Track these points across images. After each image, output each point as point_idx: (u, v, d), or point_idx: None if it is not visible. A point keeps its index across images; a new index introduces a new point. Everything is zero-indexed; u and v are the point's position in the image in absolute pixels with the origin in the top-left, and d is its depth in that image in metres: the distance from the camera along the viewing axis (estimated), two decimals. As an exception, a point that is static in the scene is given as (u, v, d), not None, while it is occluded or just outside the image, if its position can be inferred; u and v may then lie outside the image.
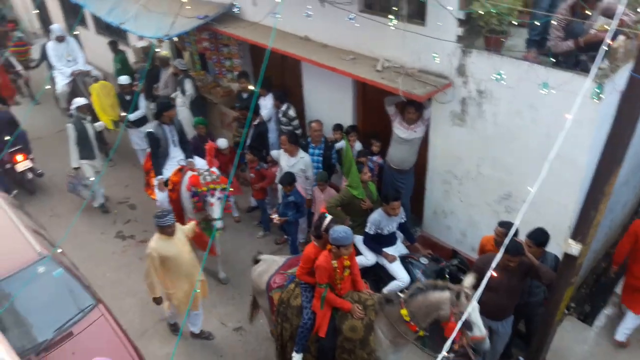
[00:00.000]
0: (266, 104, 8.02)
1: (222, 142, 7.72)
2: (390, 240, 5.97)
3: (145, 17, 8.51)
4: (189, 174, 6.59)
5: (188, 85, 8.98)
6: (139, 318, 6.71)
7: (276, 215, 6.81)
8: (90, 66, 10.31)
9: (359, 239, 6.04)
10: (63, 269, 5.48)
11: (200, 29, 8.34)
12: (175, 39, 8.95)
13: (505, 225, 5.08)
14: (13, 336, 4.87)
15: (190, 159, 6.99)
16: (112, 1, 9.14)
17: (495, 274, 3.07)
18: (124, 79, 8.86)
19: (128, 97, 8.81)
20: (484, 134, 5.79)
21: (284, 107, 7.79)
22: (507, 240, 3.33)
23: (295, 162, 7.00)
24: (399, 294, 4.64)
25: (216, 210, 6.19)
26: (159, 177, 6.83)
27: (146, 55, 9.94)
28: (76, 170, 8.16)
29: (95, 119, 8.66)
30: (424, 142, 6.51)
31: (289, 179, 6.61)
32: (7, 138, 8.11)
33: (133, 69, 10.67)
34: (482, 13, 5.14)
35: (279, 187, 7.19)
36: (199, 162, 7.01)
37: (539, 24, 5.01)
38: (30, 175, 9.01)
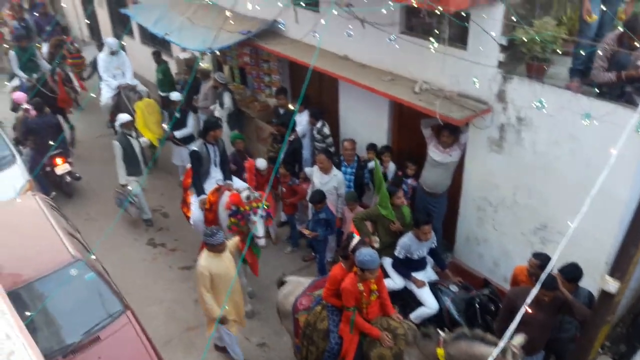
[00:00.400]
0: (301, 120, 8.07)
1: (262, 163, 7.58)
2: (420, 265, 5.87)
3: (190, 29, 8.70)
4: (227, 194, 6.56)
5: (227, 99, 9.12)
6: (164, 326, 6.76)
7: (307, 230, 6.81)
8: (136, 80, 10.39)
9: (387, 262, 5.97)
10: (95, 273, 5.58)
11: (242, 43, 8.48)
12: (217, 52, 9.11)
13: (540, 257, 4.93)
14: (42, 337, 4.96)
15: (228, 181, 6.95)
16: (158, 13, 9.39)
17: (529, 310, 2.97)
18: (175, 96, 8.84)
19: (177, 114, 8.80)
20: (522, 162, 5.67)
21: (318, 124, 7.82)
22: (543, 275, 3.22)
23: (328, 180, 7.00)
24: (439, 331, 4.51)
25: (259, 229, 6.19)
26: (202, 196, 6.74)
27: (188, 67, 10.14)
28: (123, 187, 8.19)
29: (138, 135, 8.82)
30: (459, 167, 6.42)
31: (319, 196, 6.61)
32: (50, 143, 8.35)
33: (174, 79, 10.92)
34: (525, 40, 5.07)
35: (310, 204, 7.20)
36: (237, 184, 6.98)
37: (583, 53, 4.91)
38: (68, 179, 9.25)
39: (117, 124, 8.17)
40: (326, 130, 7.80)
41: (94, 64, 11.04)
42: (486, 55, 5.52)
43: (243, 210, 6.14)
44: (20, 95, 9.58)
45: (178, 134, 8.81)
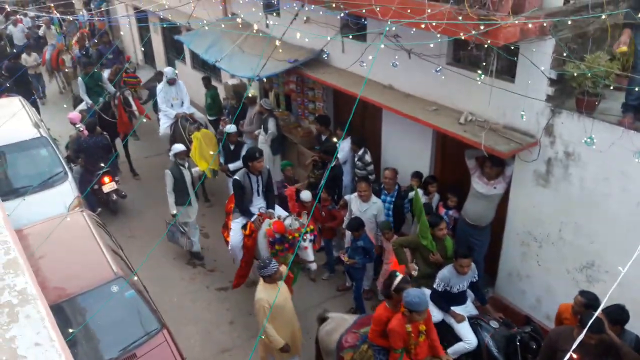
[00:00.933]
0: (343, 147, 8.12)
1: (306, 195, 7.40)
2: (460, 298, 5.73)
3: (239, 57, 8.95)
4: (267, 222, 6.59)
5: (271, 124, 9.29)
6: (199, 347, 6.80)
7: (345, 256, 6.76)
8: (193, 109, 10.40)
9: (425, 294, 5.86)
10: (135, 290, 5.68)
11: (288, 71, 8.66)
12: (264, 79, 9.33)
13: (587, 296, 4.76)
14: (81, 351, 5.05)
15: (270, 210, 6.95)
16: (210, 40, 9.70)
17: (575, 356, 2.85)
18: (231, 128, 8.78)
19: (232, 147, 8.85)
20: (569, 198, 5.52)
21: (360, 152, 7.84)
22: (591, 315, 3.09)
23: (367, 208, 6.98)
24: None
25: (310, 253, 6.22)
26: (254, 218, 6.75)
27: (236, 94, 10.37)
28: (173, 217, 8.06)
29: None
30: (504, 200, 6.29)
31: (356, 224, 6.58)
32: (102, 165, 8.87)
33: (222, 104, 11.23)
34: (576, 74, 4.99)
35: (347, 231, 7.18)
36: (279, 212, 6.98)
37: (638, 89, 4.79)
38: (114, 197, 9.55)
39: (170, 153, 8.18)
40: (368, 157, 7.82)
41: (152, 94, 11.25)
42: (534, 89, 5.45)
43: (292, 237, 6.11)
44: (74, 116, 10.04)
45: (232, 166, 8.74)
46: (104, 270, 5.75)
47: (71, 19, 16.07)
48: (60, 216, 6.95)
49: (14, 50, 15.14)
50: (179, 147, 8.13)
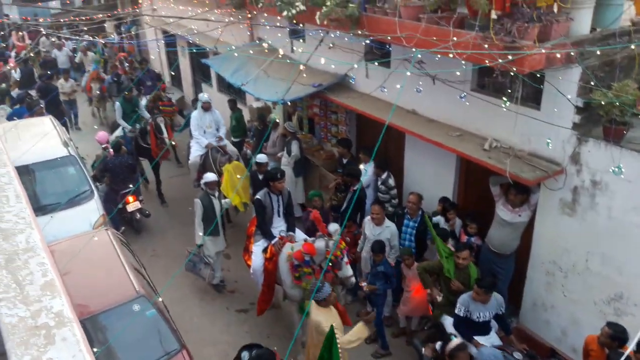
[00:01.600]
0: (363, 167, 8.12)
1: (334, 228, 7.08)
2: (482, 328, 5.62)
3: (264, 81, 9.08)
4: (288, 246, 6.53)
5: (294, 147, 9.36)
6: (218, 368, 6.77)
7: (365, 284, 6.70)
8: (226, 140, 10.10)
9: (449, 321, 5.78)
10: (156, 310, 5.71)
11: (312, 95, 8.75)
12: (288, 102, 9.43)
13: (614, 327, 4.65)
14: (102, 369, 5.09)
15: (291, 232, 6.89)
16: (236, 64, 9.88)
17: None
18: (261, 158, 8.60)
19: (261, 177, 8.32)
20: (595, 227, 5.42)
21: (384, 176, 7.83)
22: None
23: (380, 232, 6.92)
24: None
25: (349, 268, 6.22)
26: (274, 241, 6.71)
27: (260, 117, 10.48)
28: (199, 247, 7.83)
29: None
30: (528, 228, 6.20)
31: (379, 246, 6.53)
32: (129, 185, 9.13)
33: (247, 126, 11.38)
34: (603, 103, 4.95)
35: (363, 255, 7.12)
36: (300, 236, 6.89)
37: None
38: (138, 216, 9.66)
39: (202, 182, 8.07)
40: (391, 181, 7.81)
41: (187, 121, 10.88)
42: (560, 116, 5.42)
43: (334, 257, 5.99)
44: (102, 135, 10.25)
45: (260, 196, 8.54)
46: (126, 289, 5.80)
47: (113, 41, 16.28)
48: (86, 234, 7.07)
49: (49, 72, 15.34)
50: (210, 176, 8.03)
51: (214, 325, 7.57)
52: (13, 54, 18.17)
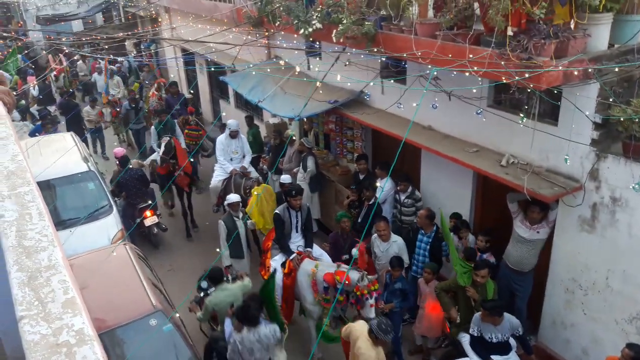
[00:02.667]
0: (379, 185, 8.09)
1: (353, 252, 7.13)
2: (500, 349, 5.52)
3: (281, 97, 9.17)
4: (307, 262, 6.50)
5: (310, 162, 9.40)
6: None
7: (381, 302, 6.61)
8: (251, 167, 9.86)
9: (466, 340, 5.71)
10: (172, 325, 5.73)
11: (328, 111, 8.81)
12: (305, 119, 9.49)
13: (635, 349, 4.55)
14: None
15: (309, 249, 6.85)
16: (253, 81, 9.99)
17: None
18: (286, 179, 8.53)
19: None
20: (616, 245, 5.34)
21: (409, 190, 7.81)
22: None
23: (387, 247, 6.92)
24: None
25: (373, 311, 5.97)
26: (293, 256, 6.70)
27: (277, 133, 10.54)
28: (227, 268, 7.66)
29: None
30: (547, 245, 6.13)
31: (397, 261, 6.49)
32: (144, 199, 9.34)
33: (263, 142, 11.47)
34: (622, 119, 4.90)
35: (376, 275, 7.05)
36: (317, 252, 6.86)
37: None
38: (155, 230, 9.74)
39: (225, 203, 8.04)
40: (418, 193, 7.81)
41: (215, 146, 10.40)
42: (578, 132, 5.37)
43: (359, 294, 5.91)
44: (119, 150, 10.28)
45: None
46: (143, 304, 5.82)
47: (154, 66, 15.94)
48: (105, 248, 7.15)
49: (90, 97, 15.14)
50: (233, 197, 7.95)
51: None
52: (52, 76, 17.70)
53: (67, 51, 17.04)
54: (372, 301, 5.93)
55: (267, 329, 5.68)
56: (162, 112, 11.40)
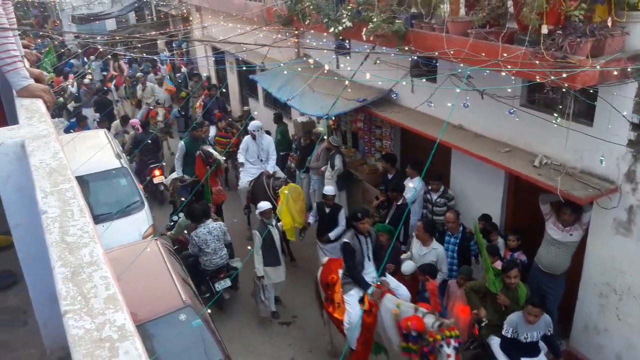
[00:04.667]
0: (410, 186, 8.04)
1: (408, 268, 6.75)
2: (530, 350, 5.45)
3: (310, 96, 9.19)
4: (389, 298, 5.80)
5: (338, 161, 9.39)
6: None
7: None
8: (276, 167, 9.76)
9: (495, 342, 5.63)
10: (201, 320, 5.80)
11: (357, 110, 8.79)
12: (333, 117, 9.50)
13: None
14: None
15: (383, 278, 6.09)
16: (282, 80, 10.05)
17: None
18: (330, 190, 8.08)
19: (328, 210, 8.04)
20: (654, 249, 5.20)
21: (441, 189, 7.73)
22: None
23: (426, 252, 6.75)
24: None
25: None
26: (372, 290, 5.89)
27: (305, 131, 10.57)
28: (260, 279, 7.63)
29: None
30: (580, 248, 6.00)
31: (430, 269, 6.40)
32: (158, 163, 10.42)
33: (291, 140, 11.52)
34: (661, 119, 4.76)
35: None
36: (392, 283, 6.18)
37: None
38: (162, 187, 10.96)
39: (257, 212, 7.86)
40: (450, 192, 7.73)
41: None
42: (614, 133, 5.24)
43: (432, 339, 5.23)
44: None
45: (332, 235, 8.02)
46: (173, 299, 5.90)
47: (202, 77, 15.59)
48: (137, 243, 7.28)
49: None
50: (264, 205, 7.75)
51: (257, 336, 7.63)
52: (113, 86, 17.13)
53: (123, 56, 16.83)
54: (448, 350, 5.15)
55: (215, 224, 7.80)
56: (194, 127, 10.56)
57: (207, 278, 7.83)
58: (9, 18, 2.80)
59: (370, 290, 5.88)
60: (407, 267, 6.68)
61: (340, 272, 6.34)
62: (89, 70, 17.14)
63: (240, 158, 9.58)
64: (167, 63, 17.85)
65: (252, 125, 9.57)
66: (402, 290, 6.18)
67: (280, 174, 9.65)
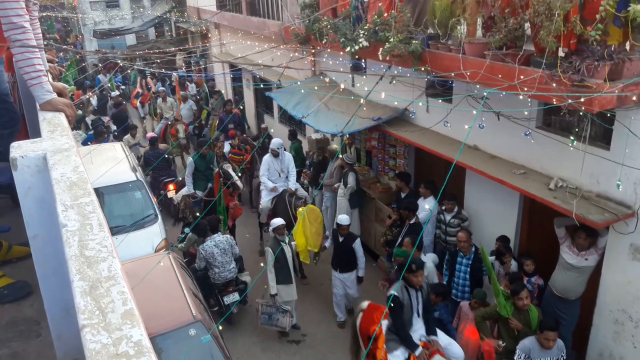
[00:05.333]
0: (423, 206, 8.01)
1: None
2: (545, 376, 5.36)
3: (324, 113, 9.24)
4: (438, 358, 5.37)
5: (351, 178, 9.39)
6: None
7: None
8: (297, 184, 9.75)
9: (508, 367, 5.54)
10: (211, 336, 5.78)
11: (371, 128, 8.81)
12: (347, 135, 9.52)
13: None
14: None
15: (433, 337, 5.60)
16: (298, 97, 10.12)
17: None
18: (344, 219, 7.85)
19: (341, 239, 7.82)
20: (671, 276, 5.10)
21: (455, 209, 7.69)
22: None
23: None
24: None
25: None
26: (419, 352, 5.39)
27: (319, 148, 10.61)
28: (273, 297, 7.55)
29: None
30: (595, 273, 5.91)
31: (442, 288, 6.33)
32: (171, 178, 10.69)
33: (305, 157, 11.56)
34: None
35: None
36: (444, 340, 5.72)
37: None
38: (175, 202, 10.69)
39: (270, 228, 7.86)
40: (464, 213, 7.68)
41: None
42: (632, 157, 5.19)
43: None
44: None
45: (361, 273, 7.94)
46: (183, 313, 5.90)
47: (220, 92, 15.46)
48: (149, 257, 7.31)
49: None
50: (277, 221, 7.78)
51: (265, 354, 7.58)
52: (138, 103, 17.23)
53: (151, 72, 16.72)
54: None
55: (222, 237, 7.85)
56: (203, 143, 10.83)
57: (216, 291, 7.87)
58: (36, 33, 2.87)
59: (418, 352, 5.39)
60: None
61: (385, 324, 5.68)
62: (109, 85, 17.42)
63: (269, 183, 9.37)
64: (191, 80, 17.98)
65: (274, 143, 9.56)
66: (455, 348, 5.71)
67: (302, 193, 9.61)
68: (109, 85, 17.42)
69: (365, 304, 6.19)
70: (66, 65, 16.52)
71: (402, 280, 5.52)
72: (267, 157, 9.60)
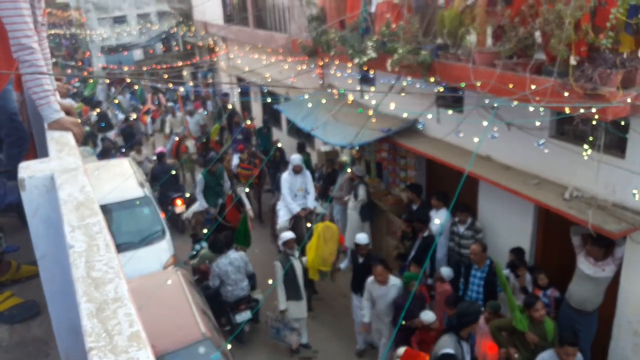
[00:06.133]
0: (437, 217, 7.89)
1: (428, 317, 6.26)
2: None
3: (334, 125, 9.20)
4: None
5: (361, 191, 9.33)
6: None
7: None
8: (316, 202, 9.49)
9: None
10: (220, 354, 5.70)
11: (381, 140, 8.75)
12: (356, 147, 9.48)
13: None
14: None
15: None
16: (306, 110, 10.11)
17: None
18: (362, 239, 7.63)
19: (361, 260, 7.58)
20: (692, 287, 4.97)
21: (469, 220, 7.57)
22: None
23: (386, 292, 6.64)
24: None
25: None
26: None
27: (328, 161, 10.57)
28: (282, 313, 7.44)
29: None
30: (613, 284, 5.79)
31: (455, 300, 6.22)
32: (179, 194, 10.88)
33: (313, 169, 11.53)
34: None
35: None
36: None
37: None
38: (183, 217, 11.00)
39: (279, 242, 7.76)
40: (478, 224, 7.55)
41: (277, 183, 10.22)
42: (648, 165, 5.10)
43: None
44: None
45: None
46: (192, 331, 5.83)
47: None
48: (157, 274, 7.25)
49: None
50: (287, 235, 7.66)
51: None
52: (149, 119, 17.35)
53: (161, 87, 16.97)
54: None
55: (236, 254, 7.70)
56: (211, 160, 10.49)
57: (228, 309, 7.74)
58: (44, 53, 2.86)
59: None
60: (427, 316, 6.24)
61: None
62: (116, 102, 17.56)
63: (295, 207, 9.01)
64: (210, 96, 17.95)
65: (295, 159, 9.28)
66: None
67: (320, 210, 9.32)
68: (116, 102, 17.49)
69: (401, 350, 5.87)
70: (73, 82, 16.64)
71: (454, 334, 5.39)
72: (285, 176, 9.21)
